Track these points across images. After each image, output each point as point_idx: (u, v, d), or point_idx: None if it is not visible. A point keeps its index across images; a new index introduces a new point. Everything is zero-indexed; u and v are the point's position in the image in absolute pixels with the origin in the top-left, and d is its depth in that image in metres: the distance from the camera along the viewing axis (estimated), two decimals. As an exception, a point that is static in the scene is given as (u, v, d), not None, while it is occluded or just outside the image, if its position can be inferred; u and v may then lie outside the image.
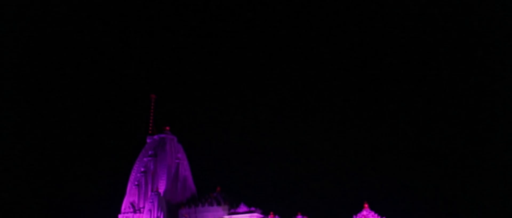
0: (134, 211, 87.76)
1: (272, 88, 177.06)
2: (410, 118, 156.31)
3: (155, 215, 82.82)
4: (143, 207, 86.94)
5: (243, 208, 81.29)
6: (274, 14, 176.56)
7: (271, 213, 78.65)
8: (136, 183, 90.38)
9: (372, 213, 77.12)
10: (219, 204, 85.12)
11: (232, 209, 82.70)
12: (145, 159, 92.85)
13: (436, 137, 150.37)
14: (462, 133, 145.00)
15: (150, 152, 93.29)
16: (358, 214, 77.39)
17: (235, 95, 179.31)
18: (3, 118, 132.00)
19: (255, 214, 79.57)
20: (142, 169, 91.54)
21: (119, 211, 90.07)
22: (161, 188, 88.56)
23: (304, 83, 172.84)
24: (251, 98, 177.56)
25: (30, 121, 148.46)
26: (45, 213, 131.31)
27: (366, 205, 78.56)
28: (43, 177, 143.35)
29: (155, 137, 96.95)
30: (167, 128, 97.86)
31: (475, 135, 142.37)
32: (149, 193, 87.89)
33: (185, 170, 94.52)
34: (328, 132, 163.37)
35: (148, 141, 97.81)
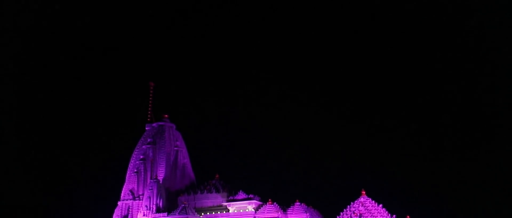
0: (134, 198, 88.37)
1: (271, 77, 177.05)
2: (407, 109, 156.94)
3: (154, 202, 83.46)
4: (142, 194, 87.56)
5: (241, 195, 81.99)
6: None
7: (269, 200, 79.36)
8: (135, 170, 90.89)
9: (369, 200, 78.00)
10: (218, 191, 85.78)
11: (231, 196, 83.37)
12: (144, 147, 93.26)
13: (432, 127, 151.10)
14: (457, 123, 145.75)
15: (149, 140, 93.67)
16: (356, 201, 78.25)
17: (234, 84, 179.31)
18: (5, 105, 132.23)
19: (254, 201, 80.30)
20: (141, 157, 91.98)
21: (118, 198, 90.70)
22: (160, 176, 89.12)
23: (303, 73, 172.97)
24: (250, 87, 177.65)
25: (29, 109, 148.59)
26: (46, 200, 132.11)
27: (363, 193, 79.42)
28: (43, 165, 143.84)
29: (154, 124, 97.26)
30: (166, 116, 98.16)
31: (471, 125, 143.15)
32: (148, 180, 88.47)
33: (184, 158, 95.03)
34: (326, 121, 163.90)
35: (147, 128, 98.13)
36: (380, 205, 76.70)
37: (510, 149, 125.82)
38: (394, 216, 75.91)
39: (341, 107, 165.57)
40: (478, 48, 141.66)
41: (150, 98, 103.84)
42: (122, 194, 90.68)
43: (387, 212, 75.79)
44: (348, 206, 77.55)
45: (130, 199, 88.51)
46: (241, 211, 79.83)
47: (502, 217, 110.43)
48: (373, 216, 74.72)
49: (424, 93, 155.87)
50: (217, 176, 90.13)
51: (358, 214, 74.19)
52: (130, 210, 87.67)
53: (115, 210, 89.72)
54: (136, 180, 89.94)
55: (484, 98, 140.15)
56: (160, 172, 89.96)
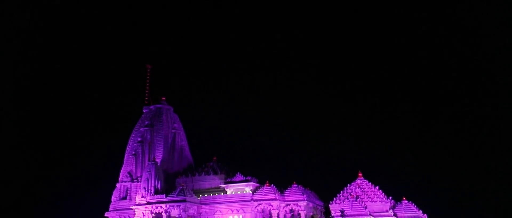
0: (132, 180, 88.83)
1: (268, 60, 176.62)
2: (404, 92, 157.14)
3: (153, 184, 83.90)
4: (141, 176, 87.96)
5: (239, 177, 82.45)
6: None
7: (267, 182, 79.83)
8: (133, 152, 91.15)
9: (366, 182, 78.62)
10: (215, 173, 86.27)
11: (229, 178, 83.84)
12: (141, 129, 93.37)
13: (429, 109, 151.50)
14: (455, 106, 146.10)
15: (146, 122, 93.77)
16: (352, 183, 78.86)
17: (232, 66, 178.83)
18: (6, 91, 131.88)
19: (251, 183, 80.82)
20: (139, 139, 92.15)
21: (117, 180, 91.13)
22: (158, 158, 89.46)
23: (300, 56, 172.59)
24: (247, 69, 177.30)
25: (27, 92, 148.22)
26: (46, 183, 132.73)
27: (360, 174, 80.00)
28: (42, 148, 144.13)
29: (152, 107, 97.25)
30: (163, 98, 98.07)
31: (469, 107, 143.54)
32: (146, 162, 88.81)
33: (182, 140, 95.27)
34: (323, 103, 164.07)
35: (144, 111, 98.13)
36: (377, 187, 77.35)
37: (508, 131, 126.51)
38: (390, 197, 76.61)
39: (339, 90, 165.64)
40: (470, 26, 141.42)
41: (148, 80, 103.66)
42: (120, 176, 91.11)
43: (383, 194, 76.44)
44: (345, 188, 78.18)
45: (129, 181, 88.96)
46: (238, 192, 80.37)
47: (500, 198, 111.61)
48: (370, 197, 75.43)
49: (422, 74, 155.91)
50: (215, 158, 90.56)
51: (355, 196, 74.86)
52: (128, 191, 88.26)
53: (114, 192, 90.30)
54: (134, 162, 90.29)
55: (483, 80, 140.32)
56: (158, 154, 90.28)
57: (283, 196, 78.32)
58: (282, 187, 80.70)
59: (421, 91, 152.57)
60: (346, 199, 74.87)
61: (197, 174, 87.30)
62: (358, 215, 71.80)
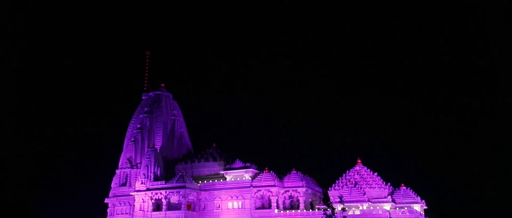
0: (132, 166, 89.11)
1: (268, 46, 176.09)
2: (404, 79, 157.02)
3: (152, 171, 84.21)
4: (140, 163, 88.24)
5: (238, 163, 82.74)
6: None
7: (266, 168, 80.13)
8: (132, 139, 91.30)
9: (365, 168, 79.02)
10: (215, 159, 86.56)
11: (228, 164, 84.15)
12: (141, 116, 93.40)
13: (428, 97, 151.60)
14: (454, 93, 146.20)
15: (145, 109, 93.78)
16: (351, 170, 79.27)
17: (231, 52, 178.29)
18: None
19: (250, 170, 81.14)
20: (138, 126, 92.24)
21: (116, 166, 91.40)
22: (158, 144, 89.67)
23: (300, 42, 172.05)
24: (246, 55, 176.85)
25: (28, 82, 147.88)
26: (45, 169, 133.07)
27: (359, 161, 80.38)
28: (42, 135, 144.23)
29: (151, 93, 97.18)
30: (163, 85, 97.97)
31: (464, 94, 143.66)
32: (146, 149, 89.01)
33: (181, 127, 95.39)
34: (323, 90, 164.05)
35: (143, 97, 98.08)
36: (375, 174, 77.79)
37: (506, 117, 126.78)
38: (388, 184, 77.09)
39: (339, 77, 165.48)
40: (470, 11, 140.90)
41: (147, 67, 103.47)
42: (120, 163, 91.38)
43: (382, 180, 76.90)
44: (344, 174, 78.62)
45: (128, 168, 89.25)
46: (238, 179, 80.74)
47: (497, 183, 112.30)
48: (368, 184, 75.89)
49: (422, 62, 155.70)
50: (214, 145, 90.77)
51: (353, 182, 75.29)
52: (128, 178, 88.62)
53: (114, 178, 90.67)
54: (133, 149, 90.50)
55: (483, 66, 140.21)
56: (157, 141, 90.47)
57: (282, 182, 78.70)
58: (281, 173, 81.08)
59: (419, 79, 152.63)
60: (345, 186, 75.33)
61: (196, 160, 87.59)
62: (356, 201, 72.29)
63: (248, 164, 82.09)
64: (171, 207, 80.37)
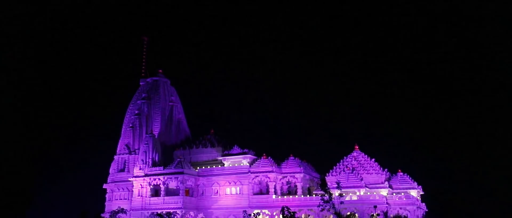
0: (130, 152, 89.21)
1: (266, 32, 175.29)
2: (402, 65, 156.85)
3: (150, 156, 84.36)
4: (138, 149, 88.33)
5: (236, 149, 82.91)
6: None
7: (264, 154, 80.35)
8: (130, 125, 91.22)
9: (362, 154, 79.33)
10: (213, 146, 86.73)
11: (226, 150, 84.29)
12: (138, 102, 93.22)
13: (425, 83, 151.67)
14: (452, 81, 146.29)
15: (143, 95, 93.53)
16: (349, 155, 79.59)
17: (229, 38, 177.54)
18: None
19: (248, 156, 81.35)
20: (136, 112, 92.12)
21: (114, 152, 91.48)
22: (156, 130, 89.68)
23: (298, 28, 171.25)
24: (244, 41, 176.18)
25: (25, 69, 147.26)
26: (44, 155, 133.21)
27: (356, 147, 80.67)
28: (40, 121, 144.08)
29: (148, 79, 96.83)
30: (160, 71, 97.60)
31: (462, 80, 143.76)
32: (144, 135, 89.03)
33: (179, 113, 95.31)
34: (321, 76, 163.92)
35: (141, 83, 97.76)
36: (373, 159, 78.14)
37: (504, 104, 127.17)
38: (385, 170, 77.50)
39: (337, 63, 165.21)
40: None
41: (144, 53, 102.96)
42: (118, 148, 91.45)
43: (379, 166, 77.28)
44: (341, 160, 78.97)
45: (126, 153, 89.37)
46: (236, 165, 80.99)
47: (494, 170, 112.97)
48: (366, 169, 76.28)
49: (420, 47, 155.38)
50: (212, 131, 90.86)
51: (351, 168, 75.66)
52: (126, 164, 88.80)
53: (112, 164, 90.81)
54: (131, 135, 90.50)
55: (483, 54, 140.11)
56: (155, 127, 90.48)
57: (280, 168, 79.00)
58: (279, 159, 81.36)
59: (417, 65, 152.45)
60: (342, 171, 75.70)
61: (194, 146, 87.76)
62: (354, 186, 72.73)
63: (246, 150, 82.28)
64: (169, 192, 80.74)
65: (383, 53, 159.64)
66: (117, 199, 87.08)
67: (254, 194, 78.25)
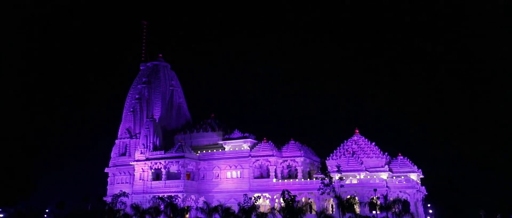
0: (131, 137, 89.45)
1: (266, 16, 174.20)
2: (402, 50, 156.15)
3: (151, 141, 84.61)
4: (139, 133, 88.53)
5: (237, 134, 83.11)
6: None
7: (264, 138, 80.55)
8: (131, 109, 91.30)
9: (362, 138, 79.50)
10: (213, 130, 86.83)
11: (227, 134, 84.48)
12: (139, 86, 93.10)
13: (426, 68, 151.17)
14: (451, 66, 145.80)
15: (144, 79, 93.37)
16: (349, 139, 79.76)
17: (229, 22, 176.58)
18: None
19: (249, 140, 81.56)
20: (137, 96, 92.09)
21: (116, 136, 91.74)
22: (156, 115, 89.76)
23: (299, 12, 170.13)
24: (245, 24, 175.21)
25: (28, 53, 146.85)
26: (45, 140, 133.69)
27: (356, 131, 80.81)
28: (42, 105, 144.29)
29: (149, 64, 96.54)
30: (160, 55, 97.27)
31: (463, 65, 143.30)
32: (145, 119, 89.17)
33: (179, 97, 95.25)
34: (322, 60, 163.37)
35: (141, 68, 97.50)
36: (373, 143, 78.33)
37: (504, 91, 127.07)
38: (386, 153, 77.74)
39: (339, 48, 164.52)
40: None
41: (144, 37, 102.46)
42: (119, 133, 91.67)
43: (379, 150, 77.49)
44: (342, 144, 79.17)
45: (127, 138, 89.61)
46: (236, 149, 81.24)
47: (493, 153, 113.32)
48: (366, 153, 76.51)
49: (420, 30, 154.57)
50: (212, 115, 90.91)
51: (351, 152, 75.88)
52: (127, 148, 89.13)
53: (113, 148, 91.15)
54: (132, 119, 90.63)
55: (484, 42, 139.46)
56: (156, 111, 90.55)
57: (281, 152, 79.25)
58: (279, 143, 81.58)
59: (419, 50, 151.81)
60: (342, 155, 75.93)
61: (195, 130, 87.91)
62: (354, 170, 73.04)
63: (246, 134, 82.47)
64: (170, 176, 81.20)
65: (383, 37, 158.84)
66: (119, 183, 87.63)
67: (255, 177, 78.68)
